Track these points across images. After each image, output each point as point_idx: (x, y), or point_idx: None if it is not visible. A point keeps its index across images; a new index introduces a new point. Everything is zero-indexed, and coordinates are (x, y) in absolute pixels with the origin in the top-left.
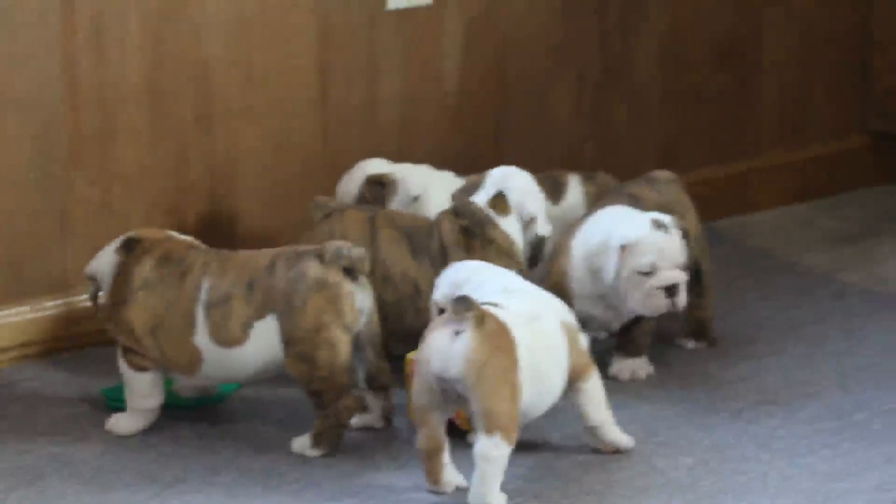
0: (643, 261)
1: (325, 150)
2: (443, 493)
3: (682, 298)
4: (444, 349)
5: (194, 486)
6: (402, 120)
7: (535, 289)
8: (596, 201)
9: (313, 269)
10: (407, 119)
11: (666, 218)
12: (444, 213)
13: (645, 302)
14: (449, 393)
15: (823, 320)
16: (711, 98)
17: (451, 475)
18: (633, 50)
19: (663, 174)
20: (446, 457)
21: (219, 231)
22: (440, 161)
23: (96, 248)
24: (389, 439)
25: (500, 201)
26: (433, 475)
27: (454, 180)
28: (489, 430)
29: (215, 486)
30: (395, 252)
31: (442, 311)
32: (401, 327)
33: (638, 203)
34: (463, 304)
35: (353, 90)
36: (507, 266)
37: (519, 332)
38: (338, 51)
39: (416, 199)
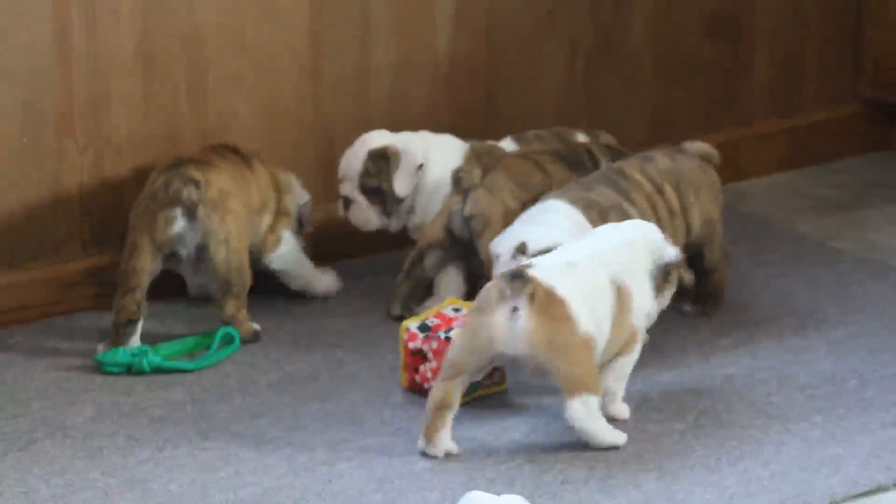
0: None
1: (316, 118)
2: (433, 456)
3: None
4: (506, 330)
5: (186, 451)
6: (393, 88)
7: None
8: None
9: (159, 182)
10: (399, 87)
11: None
12: (589, 140)
13: None
14: (499, 360)
15: (816, 287)
16: (703, 66)
17: (446, 440)
18: (625, 18)
19: (695, 146)
20: (450, 418)
21: None
22: (432, 129)
23: (87, 215)
24: (383, 405)
25: None
26: (431, 431)
27: (455, 143)
28: (572, 394)
29: (207, 450)
30: (560, 171)
31: None
32: None
33: (649, 162)
34: (518, 280)
35: (345, 58)
36: None
37: (564, 288)
38: (330, 19)
39: (420, 167)
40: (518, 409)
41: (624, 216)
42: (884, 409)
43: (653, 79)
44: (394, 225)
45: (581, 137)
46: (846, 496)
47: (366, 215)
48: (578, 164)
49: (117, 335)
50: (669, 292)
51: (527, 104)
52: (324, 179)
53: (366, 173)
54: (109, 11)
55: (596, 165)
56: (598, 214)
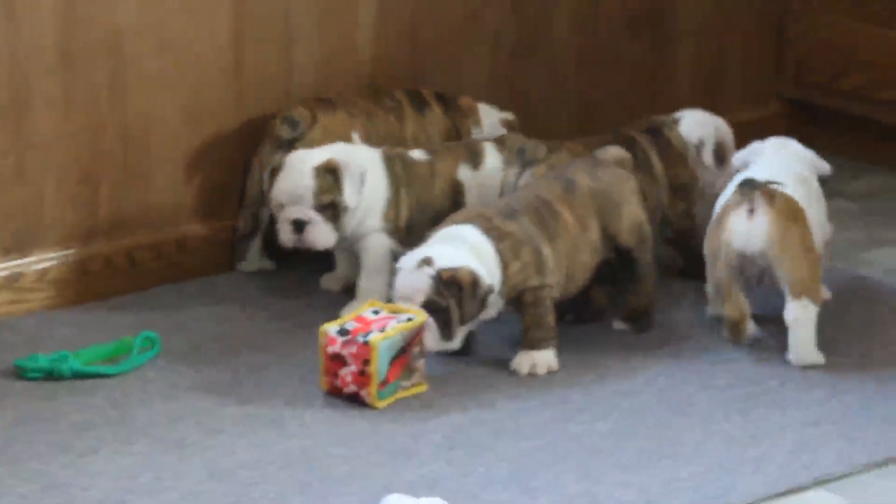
0: (394, 285)
1: (239, 119)
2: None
3: None
4: (743, 229)
5: (107, 456)
6: (317, 88)
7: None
8: (507, 163)
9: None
10: (322, 87)
11: (441, 258)
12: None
13: None
14: (747, 268)
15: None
16: (627, 63)
17: (751, 327)
18: (548, 15)
19: (608, 154)
20: (750, 327)
21: (133, 198)
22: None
23: (10, 219)
24: (304, 409)
25: (673, 119)
26: (738, 337)
27: (371, 152)
28: (796, 295)
29: (128, 455)
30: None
31: None
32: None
33: (573, 191)
34: (749, 185)
35: (267, 58)
36: (677, 165)
37: (803, 200)
38: (252, 18)
39: (363, 175)
40: (439, 411)
41: (537, 255)
42: (804, 408)
43: (577, 76)
44: (339, 238)
45: (489, 148)
46: (767, 496)
47: (324, 233)
48: (630, 148)
49: (234, 252)
50: None
51: None
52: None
53: (320, 190)
54: (28, 9)
55: (642, 151)
56: (510, 248)
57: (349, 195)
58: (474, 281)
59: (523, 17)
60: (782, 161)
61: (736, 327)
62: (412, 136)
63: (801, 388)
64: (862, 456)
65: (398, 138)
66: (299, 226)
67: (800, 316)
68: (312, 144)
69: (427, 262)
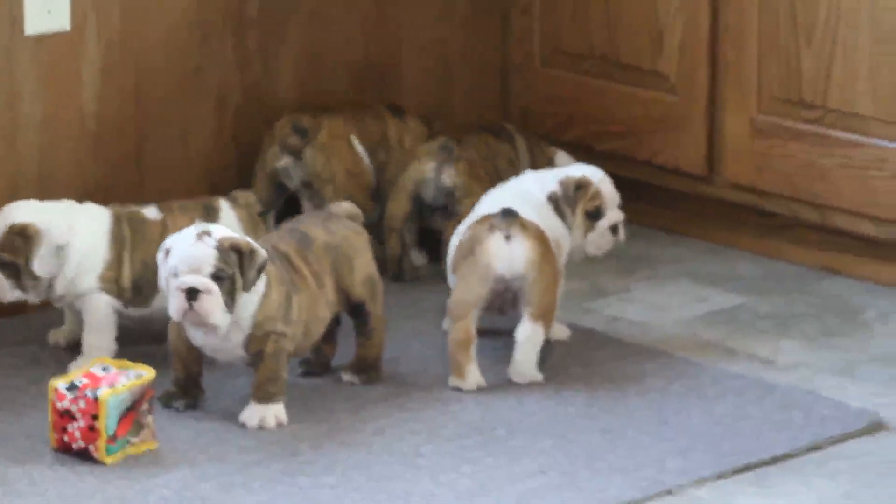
0: (170, 263)
1: None
2: (468, 390)
3: (203, 305)
4: (504, 252)
5: None
6: (41, 146)
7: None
8: (246, 222)
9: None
10: (47, 145)
11: (216, 229)
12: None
13: (171, 303)
14: (498, 291)
15: None
16: None
17: (476, 375)
18: (273, 74)
19: (341, 208)
20: (474, 352)
21: None
22: (81, 187)
23: None
24: (32, 466)
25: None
26: (459, 368)
27: (99, 211)
28: (534, 318)
29: None
30: (497, 144)
31: None
32: None
33: (308, 247)
34: (511, 215)
35: None
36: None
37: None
38: None
39: (61, 248)
40: (168, 466)
41: (288, 301)
42: (531, 457)
43: None
44: (32, 297)
45: (224, 205)
46: None
47: (3, 289)
48: (502, 132)
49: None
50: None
51: (176, 161)
52: None
53: (1, 248)
54: None
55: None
56: (275, 277)
57: (39, 265)
58: (252, 249)
59: (247, 73)
60: (516, 190)
61: (460, 352)
62: (396, 140)
63: (528, 437)
64: None
65: (384, 143)
66: None
67: (531, 336)
68: (322, 148)
69: (206, 233)
